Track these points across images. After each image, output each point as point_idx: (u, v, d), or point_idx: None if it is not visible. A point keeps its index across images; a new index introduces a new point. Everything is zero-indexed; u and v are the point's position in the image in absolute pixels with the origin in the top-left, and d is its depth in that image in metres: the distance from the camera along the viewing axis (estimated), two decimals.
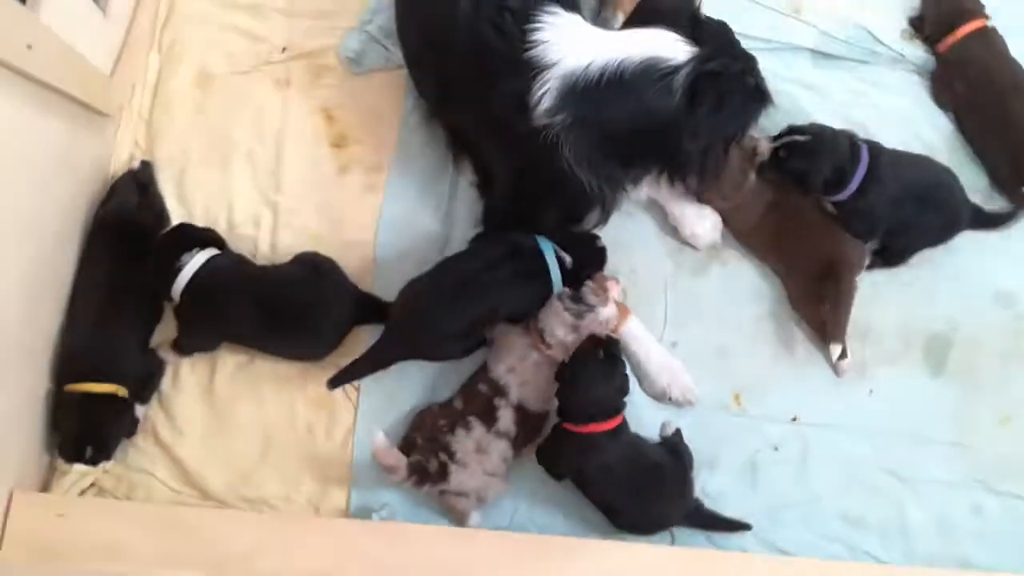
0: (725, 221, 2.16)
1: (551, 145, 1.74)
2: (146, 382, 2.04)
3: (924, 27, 2.33)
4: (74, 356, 1.98)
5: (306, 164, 2.27)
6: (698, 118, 1.72)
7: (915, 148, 2.24)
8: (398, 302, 2.01)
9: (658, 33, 1.78)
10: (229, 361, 2.10)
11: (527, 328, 1.98)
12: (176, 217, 2.23)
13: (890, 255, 2.13)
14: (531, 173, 1.91)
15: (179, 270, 1.98)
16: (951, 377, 2.12)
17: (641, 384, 2.08)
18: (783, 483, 2.04)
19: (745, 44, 2.27)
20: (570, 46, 1.75)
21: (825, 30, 2.34)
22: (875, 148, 2.05)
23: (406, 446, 1.95)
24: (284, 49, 2.37)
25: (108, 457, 1.96)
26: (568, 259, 1.98)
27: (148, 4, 2.36)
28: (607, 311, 1.93)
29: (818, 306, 2.06)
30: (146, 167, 2.24)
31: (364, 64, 2.32)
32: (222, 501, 2.00)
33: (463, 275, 1.96)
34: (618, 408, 1.87)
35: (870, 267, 2.13)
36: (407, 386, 2.07)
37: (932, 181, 2.08)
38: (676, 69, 1.71)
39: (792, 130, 2.02)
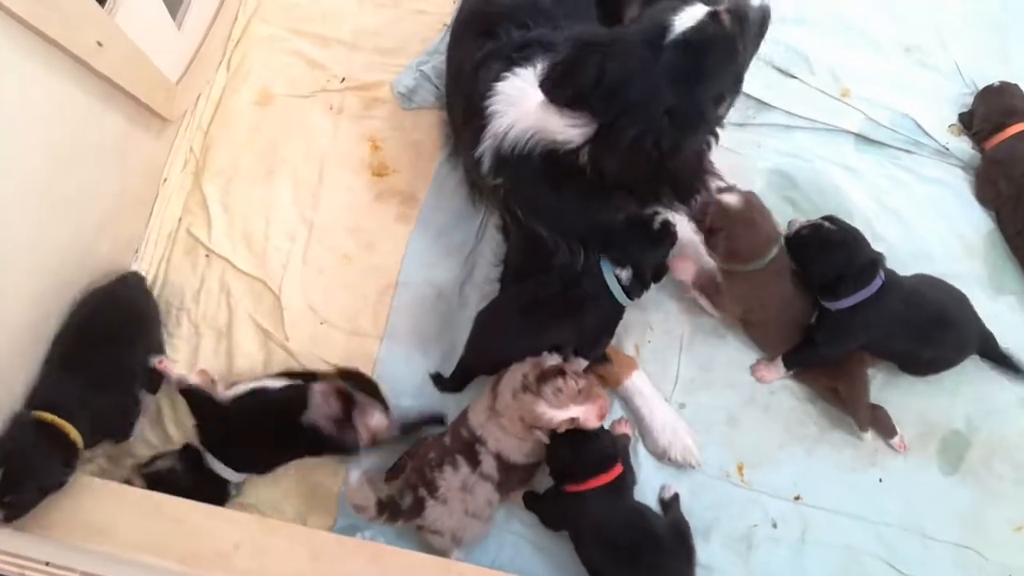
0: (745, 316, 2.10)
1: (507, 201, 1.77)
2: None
3: (973, 123, 2.33)
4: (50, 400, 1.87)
5: (345, 188, 2.37)
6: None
7: (951, 242, 2.23)
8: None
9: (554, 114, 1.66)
10: (242, 364, 2.16)
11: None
12: (218, 224, 2.33)
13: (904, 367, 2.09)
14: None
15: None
16: (965, 477, 2.04)
17: (643, 441, 2.06)
18: (777, 562, 1.98)
19: (790, 122, 2.35)
20: (510, 107, 1.71)
21: (871, 116, 2.36)
22: (892, 282, 1.93)
23: (398, 467, 1.97)
24: (343, 79, 2.49)
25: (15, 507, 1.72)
26: (624, 274, 1.88)
27: (223, 23, 2.52)
28: (549, 412, 1.77)
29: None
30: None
31: (414, 100, 2.42)
32: None
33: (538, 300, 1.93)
34: (612, 457, 1.83)
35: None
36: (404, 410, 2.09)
37: (940, 322, 1.97)
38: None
39: (830, 219, 1.93)
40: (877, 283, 1.90)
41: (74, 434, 1.81)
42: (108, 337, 2.00)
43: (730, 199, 1.91)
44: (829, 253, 1.90)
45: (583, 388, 1.81)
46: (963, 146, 2.33)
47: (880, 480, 2.04)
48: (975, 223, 2.26)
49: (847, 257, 1.90)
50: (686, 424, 2.06)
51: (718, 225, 1.91)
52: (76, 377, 1.91)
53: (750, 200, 1.94)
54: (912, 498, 2.02)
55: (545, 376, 1.81)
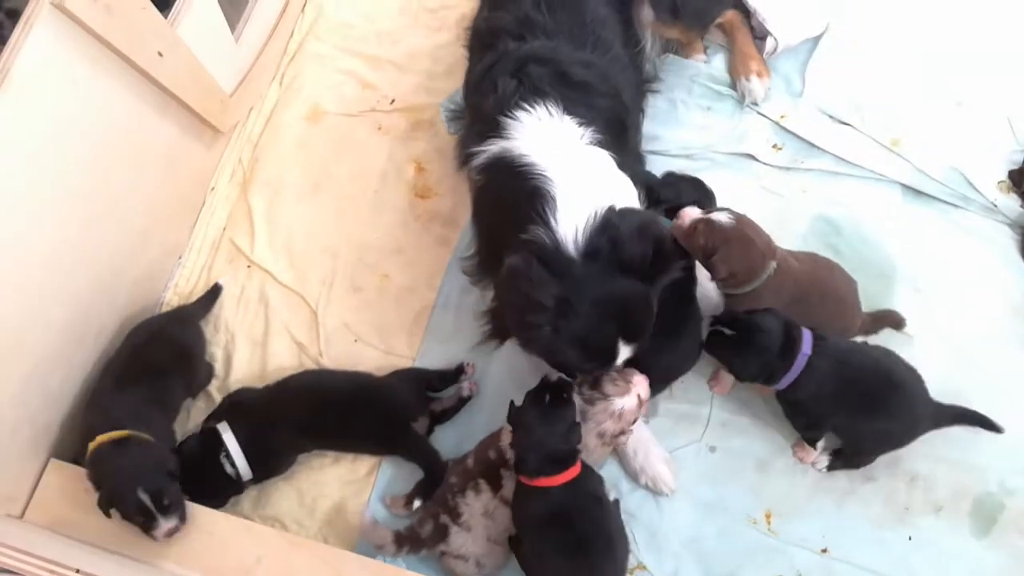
0: None
1: None
2: None
3: (1022, 181, 2.29)
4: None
5: (390, 208, 2.39)
6: None
7: (996, 301, 2.20)
8: None
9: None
10: (274, 376, 2.17)
11: None
12: (261, 236, 2.36)
13: (849, 458, 2.03)
14: None
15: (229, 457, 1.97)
16: (997, 541, 1.99)
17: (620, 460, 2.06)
18: None
19: (838, 169, 2.33)
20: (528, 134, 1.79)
21: (920, 167, 2.33)
22: (821, 345, 1.88)
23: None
24: (393, 100, 2.52)
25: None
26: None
27: (279, 39, 2.56)
28: (623, 402, 1.81)
29: None
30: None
31: (460, 125, 2.43)
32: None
33: None
34: (569, 458, 1.77)
35: (830, 468, 2.05)
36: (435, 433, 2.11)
37: (886, 385, 1.89)
38: None
39: (726, 320, 1.89)
40: (803, 358, 1.84)
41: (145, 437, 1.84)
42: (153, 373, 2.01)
43: (720, 217, 1.88)
44: (740, 356, 1.88)
45: (619, 374, 1.84)
46: (1012, 203, 2.29)
47: (910, 538, 2.00)
48: (1021, 283, 2.22)
49: (758, 350, 1.85)
50: (664, 452, 2.05)
51: (713, 245, 1.87)
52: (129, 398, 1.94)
53: (741, 219, 1.91)
54: (941, 559, 1.98)
55: (591, 383, 1.84)
